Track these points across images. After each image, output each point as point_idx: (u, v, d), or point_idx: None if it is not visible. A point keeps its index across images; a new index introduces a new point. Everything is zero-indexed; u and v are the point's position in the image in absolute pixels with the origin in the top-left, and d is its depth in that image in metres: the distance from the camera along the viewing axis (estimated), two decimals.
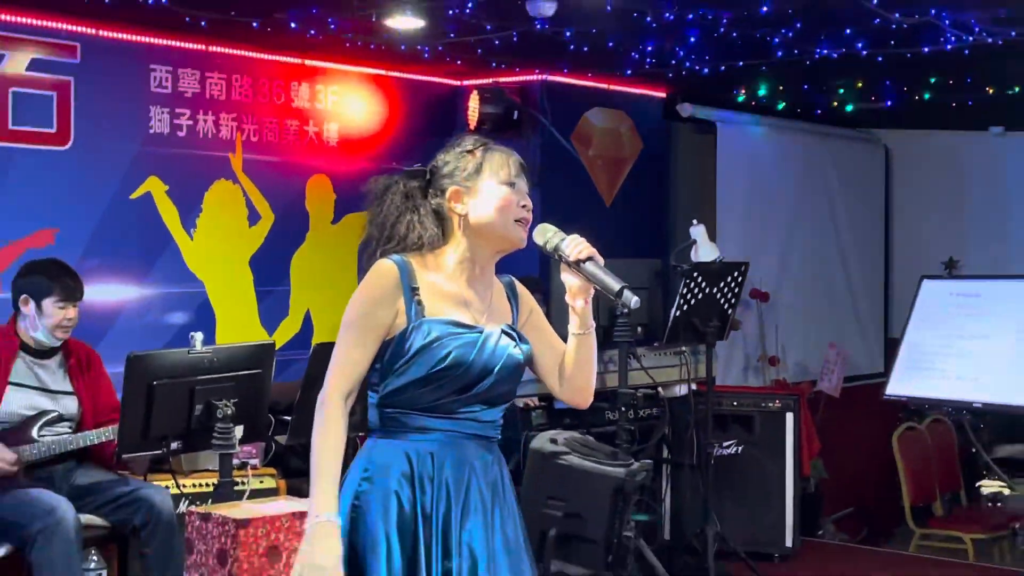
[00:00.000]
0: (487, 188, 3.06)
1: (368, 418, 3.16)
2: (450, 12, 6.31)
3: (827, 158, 9.96)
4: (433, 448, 3.09)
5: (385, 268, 3.07)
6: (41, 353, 5.60)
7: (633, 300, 2.95)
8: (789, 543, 7.11)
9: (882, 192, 10.40)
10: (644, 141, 8.78)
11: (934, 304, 4.77)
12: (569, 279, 3.03)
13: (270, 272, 7.56)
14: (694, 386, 7.01)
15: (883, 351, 10.09)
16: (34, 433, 5.37)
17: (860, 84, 8.33)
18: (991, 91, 8.44)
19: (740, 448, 7.12)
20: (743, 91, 8.77)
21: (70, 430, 5.48)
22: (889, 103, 9.14)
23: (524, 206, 3.10)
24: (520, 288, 3.32)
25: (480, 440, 3.15)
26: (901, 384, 4.69)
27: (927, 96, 8.83)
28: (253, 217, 7.49)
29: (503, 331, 3.12)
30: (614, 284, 2.95)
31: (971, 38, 6.53)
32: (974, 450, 7.88)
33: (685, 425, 6.97)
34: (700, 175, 8.96)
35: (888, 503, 8.00)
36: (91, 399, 5.59)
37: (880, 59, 7.32)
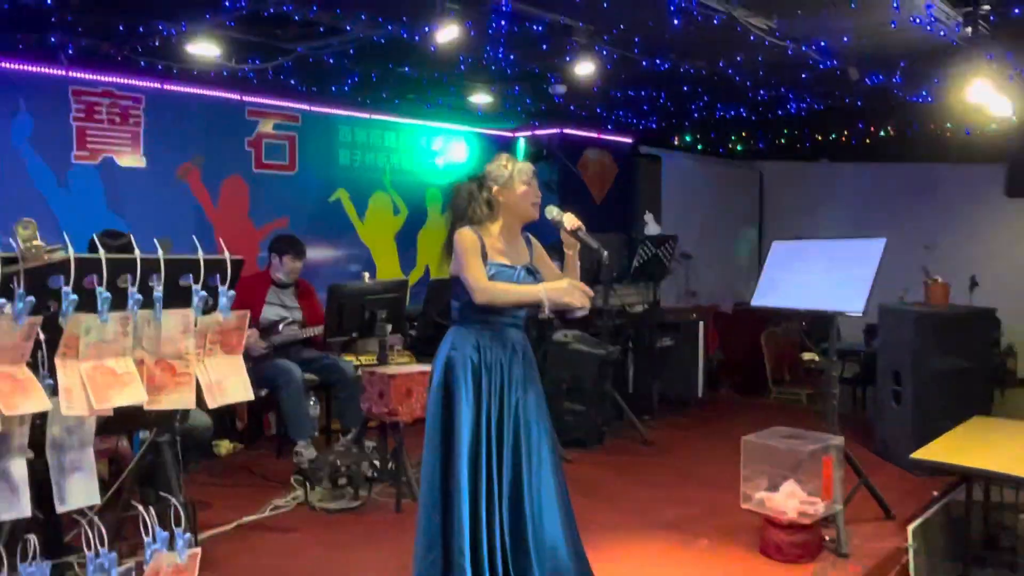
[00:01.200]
0: (517, 187, 3.18)
1: (452, 316, 3.23)
2: (507, 93, 6.38)
3: (725, 178, 9.90)
4: (489, 331, 3.16)
5: (468, 231, 3.14)
6: (283, 286, 5.69)
7: (604, 254, 3.20)
8: (700, 394, 7.26)
9: (758, 197, 10.40)
10: (619, 167, 8.78)
11: (781, 253, 4.67)
12: (567, 238, 3.20)
13: (405, 242, 7.56)
14: (646, 306, 7.03)
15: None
16: (280, 328, 5.54)
17: (744, 134, 8.31)
18: (819, 137, 8.47)
19: (672, 341, 7.04)
20: (676, 138, 8.79)
21: (298, 327, 5.59)
22: (761, 145, 9.07)
23: (536, 196, 3.23)
24: (534, 241, 3.34)
25: (514, 327, 3.22)
26: (759, 299, 4.58)
27: (782, 141, 8.79)
28: (396, 211, 7.52)
29: (525, 267, 3.21)
30: (593, 244, 3.18)
31: (804, 104, 6.62)
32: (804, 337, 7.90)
33: (642, 328, 6.94)
34: (652, 187, 8.84)
35: (758, 374, 7.95)
36: (309, 310, 5.68)
37: (755, 119, 7.35)
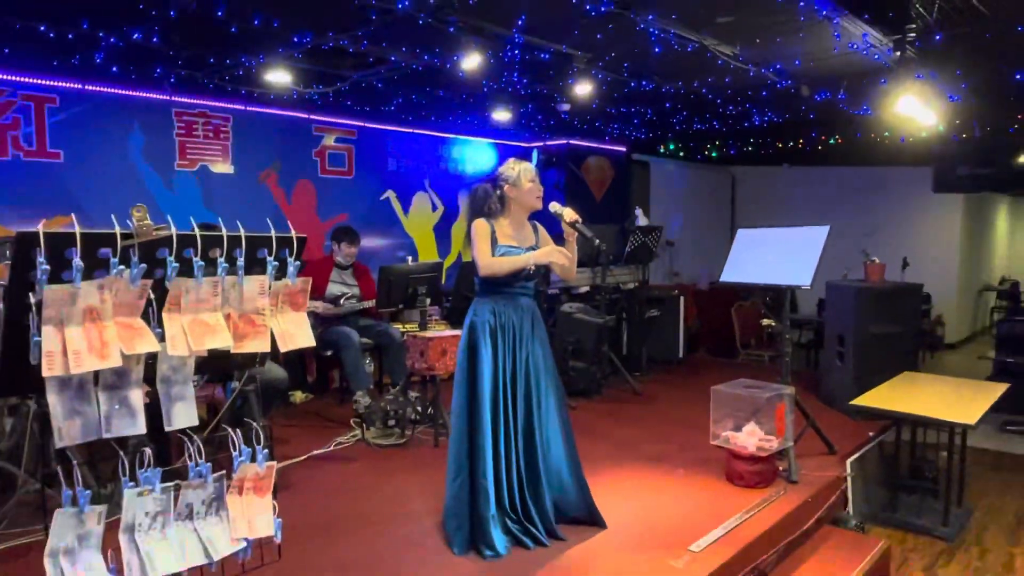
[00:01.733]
0: (524, 184, 3.19)
1: (475, 290, 3.25)
2: (521, 111, 6.34)
3: (703, 180, 9.80)
4: (503, 299, 3.18)
5: (481, 222, 3.17)
6: (342, 267, 5.67)
7: (597, 242, 3.24)
8: (680, 355, 7.16)
9: (730, 194, 10.32)
10: (616, 171, 8.73)
11: (744, 239, 4.57)
12: (567, 228, 3.21)
13: (441, 233, 7.50)
14: (637, 284, 7.00)
15: None
16: (341, 302, 5.53)
17: (717, 143, 8.18)
18: (780, 145, 8.31)
19: (658, 312, 6.94)
20: (662, 147, 8.71)
21: (356, 300, 5.57)
22: (733, 152, 8.90)
23: (539, 190, 3.22)
24: (540, 228, 3.33)
25: (525, 295, 3.23)
26: (726, 276, 4.50)
27: (750, 149, 8.60)
28: (434, 207, 7.47)
29: (531, 249, 3.19)
30: (588, 233, 3.21)
31: (766, 118, 6.52)
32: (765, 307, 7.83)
33: (633, 301, 6.87)
34: (642, 188, 8.85)
35: (729, 339, 7.89)
36: (365, 287, 5.65)
37: (724, 130, 7.25)
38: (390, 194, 7.12)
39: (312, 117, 6.37)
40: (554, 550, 3.12)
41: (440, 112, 6.19)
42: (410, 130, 7.18)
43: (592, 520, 3.33)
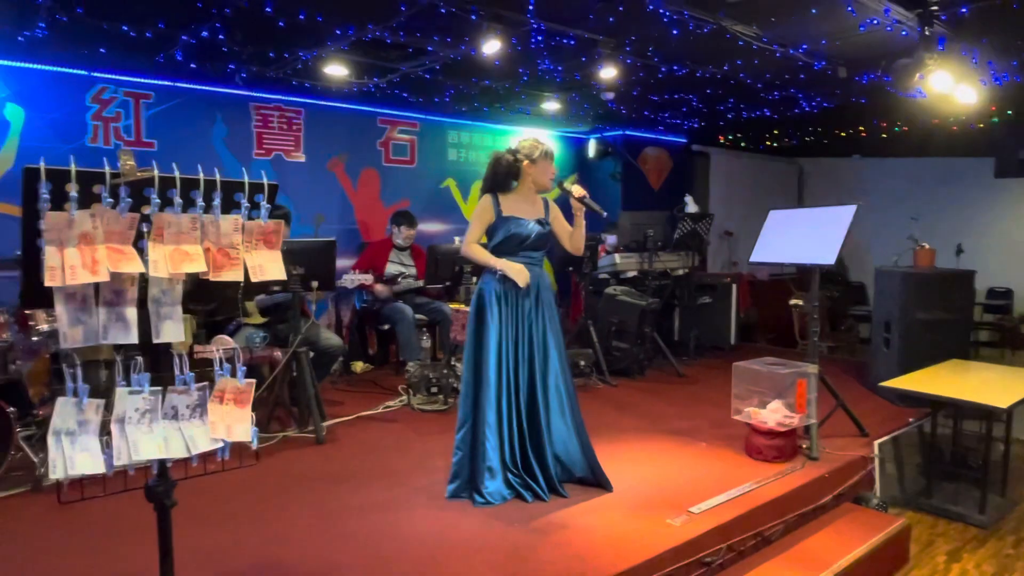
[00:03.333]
0: (541, 162, 3.29)
1: None
2: (569, 100, 6.24)
3: (766, 171, 9.44)
4: None
5: (485, 200, 3.28)
6: (401, 248, 5.90)
7: (604, 215, 3.31)
8: (732, 342, 7.01)
9: (796, 187, 9.89)
10: (674, 161, 8.56)
11: (776, 219, 4.51)
12: (575, 203, 3.31)
13: None
14: (687, 270, 6.79)
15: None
16: (399, 280, 5.74)
17: (776, 131, 7.84)
18: (841, 134, 7.96)
19: (710, 299, 6.94)
20: (721, 138, 8.51)
21: (412, 280, 5.77)
22: (795, 142, 8.58)
23: (553, 172, 3.33)
24: (551, 203, 3.41)
25: (531, 265, 3.27)
26: (756, 256, 4.42)
27: (811, 139, 8.29)
28: None
29: (537, 220, 3.30)
30: (596, 207, 3.28)
31: (814, 104, 6.17)
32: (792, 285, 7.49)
33: (684, 287, 6.80)
34: (702, 178, 8.67)
35: (788, 330, 7.59)
36: (421, 268, 5.78)
37: (778, 117, 6.90)
38: (450, 182, 7.25)
39: (377, 110, 6.64)
40: (552, 505, 3.23)
41: (491, 103, 6.24)
42: (469, 121, 7.29)
43: (597, 483, 3.40)
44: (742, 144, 8.82)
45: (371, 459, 3.94)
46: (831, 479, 3.85)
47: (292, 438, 4.27)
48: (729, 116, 6.80)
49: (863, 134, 7.52)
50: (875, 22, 3.45)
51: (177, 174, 1.63)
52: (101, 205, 1.56)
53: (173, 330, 1.70)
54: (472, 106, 6.29)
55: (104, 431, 1.63)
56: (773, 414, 4.08)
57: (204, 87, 5.59)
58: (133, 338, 1.65)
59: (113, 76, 5.22)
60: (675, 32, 3.59)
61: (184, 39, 3.86)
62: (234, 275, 1.73)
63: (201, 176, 1.65)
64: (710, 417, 4.79)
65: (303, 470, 3.72)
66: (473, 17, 3.37)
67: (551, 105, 6.22)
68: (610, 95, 5.43)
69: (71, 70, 5.03)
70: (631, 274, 6.68)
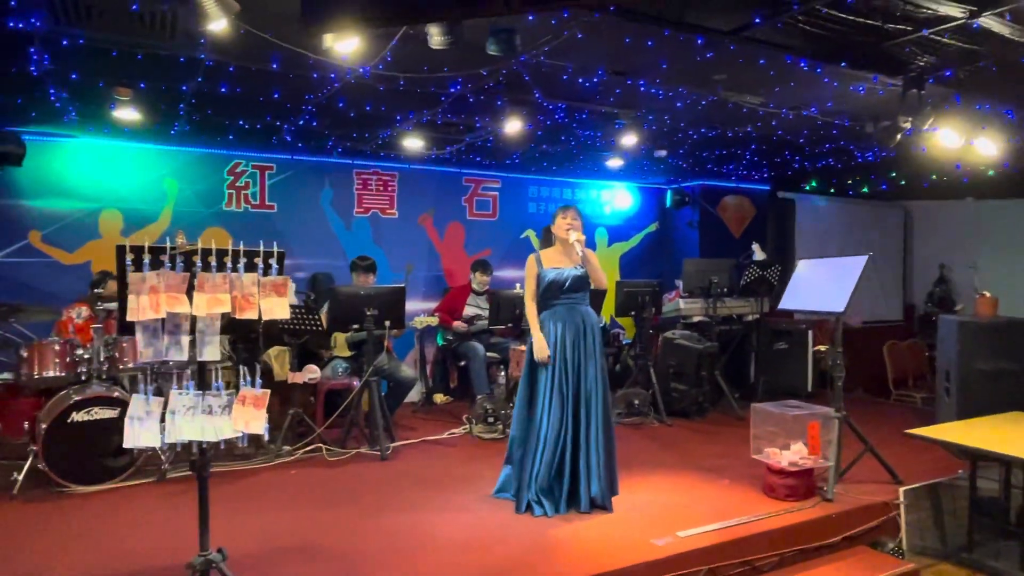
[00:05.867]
0: (557, 220, 3.79)
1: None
2: (625, 157, 6.63)
3: (863, 215, 9.07)
4: (561, 310, 3.75)
5: (530, 259, 3.81)
6: (478, 293, 6.47)
7: (583, 252, 3.64)
8: (809, 388, 6.81)
9: (901, 232, 9.50)
10: (756, 208, 8.59)
11: (803, 268, 4.60)
12: (576, 247, 3.71)
13: None
14: (757, 316, 6.88)
15: (901, 309, 9.45)
16: (475, 322, 6.32)
17: (858, 177, 7.68)
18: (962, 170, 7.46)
19: (786, 345, 6.90)
20: (806, 184, 8.42)
21: (486, 321, 6.15)
22: (884, 186, 8.26)
23: (568, 226, 3.73)
24: (587, 252, 3.75)
25: (577, 306, 3.74)
26: (784, 303, 4.54)
27: (933, 177, 7.83)
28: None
29: (573, 268, 3.75)
30: (579, 251, 3.64)
31: (871, 153, 6.05)
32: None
33: (757, 333, 6.81)
34: (787, 224, 8.61)
35: (882, 379, 7.38)
36: (494, 311, 6.01)
37: (842, 165, 6.80)
38: (530, 233, 7.76)
39: (462, 171, 7.38)
40: (543, 522, 3.64)
41: (558, 163, 6.73)
42: (548, 177, 7.86)
43: (602, 505, 3.80)
44: (831, 191, 8.73)
45: (422, 473, 4.54)
46: (837, 520, 3.94)
47: (362, 454, 4.98)
48: (795, 166, 6.87)
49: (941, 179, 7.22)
50: (861, 90, 3.67)
51: (214, 246, 2.43)
52: (164, 268, 2.39)
53: (212, 353, 2.48)
54: (541, 166, 6.83)
55: (161, 420, 2.44)
56: (792, 455, 4.27)
57: (314, 158, 6.70)
58: (185, 355, 2.45)
59: (245, 153, 6.46)
60: (679, 105, 4.00)
61: (286, 127, 4.88)
62: (251, 314, 2.49)
63: (229, 247, 2.44)
64: (746, 458, 4.92)
65: (361, 478, 4.42)
66: (499, 103, 4.04)
67: (614, 162, 6.66)
68: (662, 152, 5.77)
69: (214, 151, 6.31)
70: (696, 318, 6.92)
